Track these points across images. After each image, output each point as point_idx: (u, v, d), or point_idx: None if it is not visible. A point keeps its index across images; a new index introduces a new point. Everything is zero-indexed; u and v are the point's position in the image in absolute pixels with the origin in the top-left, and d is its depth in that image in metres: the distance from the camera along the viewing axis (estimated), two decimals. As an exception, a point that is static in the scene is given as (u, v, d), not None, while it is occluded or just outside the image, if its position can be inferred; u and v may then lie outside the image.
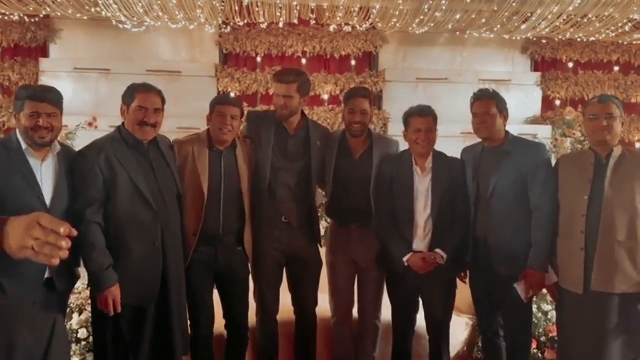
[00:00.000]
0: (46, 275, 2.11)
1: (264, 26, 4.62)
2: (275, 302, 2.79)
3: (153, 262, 2.26)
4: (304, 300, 2.82)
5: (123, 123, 2.33)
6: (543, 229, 2.47)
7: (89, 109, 4.38)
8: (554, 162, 2.68)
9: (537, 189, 2.50)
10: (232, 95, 4.75)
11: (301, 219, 2.74)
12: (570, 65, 5.18)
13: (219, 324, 2.69)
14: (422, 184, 2.64)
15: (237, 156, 2.59)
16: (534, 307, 3.04)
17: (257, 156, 2.70)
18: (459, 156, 2.79)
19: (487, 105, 2.57)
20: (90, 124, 3.46)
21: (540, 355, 2.99)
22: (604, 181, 2.36)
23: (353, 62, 5.01)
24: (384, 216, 2.69)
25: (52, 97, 2.12)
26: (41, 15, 4.44)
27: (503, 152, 2.59)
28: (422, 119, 2.61)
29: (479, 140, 2.68)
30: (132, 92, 2.29)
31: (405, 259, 2.59)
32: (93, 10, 4.08)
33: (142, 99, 2.27)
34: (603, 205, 2.34)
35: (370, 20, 4.44)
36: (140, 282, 2.24)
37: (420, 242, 2.63)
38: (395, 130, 2.78)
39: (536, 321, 3.02)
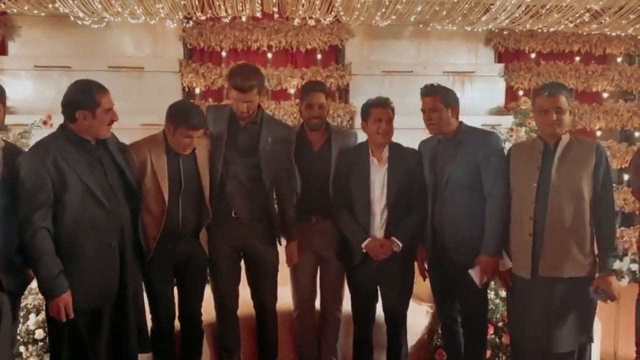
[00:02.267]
0: None
1: (227, 20, 4.58)
2: (232, 297, 2.81)
3: (110, 261, 2.24)
4: (262, 297, 2.83)
5: (65, 122, 2.25)
6: (495, 216, 2.52)
7: (50, 107, 4.28)
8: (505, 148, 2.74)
9: (489, 177, 2.56)
10: (197, 90, 4.72)
11: (252, 215, 2.71)
12: (533, 55, 5.25)
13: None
14: (378, 174, 2.68)
15: (196, 156, 2.59)
16: (492, 293, 3.12)
17: (212, 149, 2.70)
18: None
19: (432, 101, 2.62)
20: (45, 122, 3.40)
21: (497, 340, 3.05)
22: (551, 168, 2.42)
23: (319, 56, 5.00)
24: (341, 207, 2.72)
25: None
26: (-3, 12, 4.34)
27: (457, 142, 2.64)
28: (383, 110, 2.67)
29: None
30: (93, 97, 2.20)
31: (363, 245, 2.62)
32: (50, 6, 4.00)
33: (107, 100, 2.24)
34: (550, 192, 2.40)
35: (334, 12, 4.43)
36: (97, 283, 2.22)
37: (377, 232, 2.67)
38: (362, 123, 2.80)
39: (494, 307, 3.09)
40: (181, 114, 2.47)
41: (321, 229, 2.83)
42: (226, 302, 2.79)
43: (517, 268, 2.50)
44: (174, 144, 2.50)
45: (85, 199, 2.17)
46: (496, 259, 2.52)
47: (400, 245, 2.62)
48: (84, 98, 2.20)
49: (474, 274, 2.53)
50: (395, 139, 2.79)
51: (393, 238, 2.63)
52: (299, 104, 2.95)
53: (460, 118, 2.72)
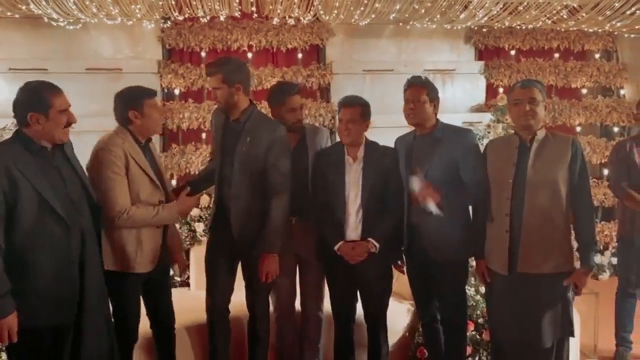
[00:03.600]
0: None
1: (205, 20, 4.55)
2: (224, 299, 2.75)
3: (69, 277, 2.08)
4: (254, 301, 2.75)
5: (20, 127, 2.06)
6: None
7: (25, 110, 4.23)
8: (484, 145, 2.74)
9: (468, 173, 2.55)
10: (177, 91, 4.69)
11: (245, 215, 2.60)
12: (513, 53, 5.29)
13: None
14: (353, 173, 2.66)
15: (151, 148, 2.54)
16: (472, 290, 3.12)
17: (212, 150, 2.71)
18: None
19: (418, 91, 2.61)
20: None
21: (478, 336, 3.05)
22: (527, 164, 2.42)
23: (300, 55, 4.98)
24: (319, 208, 2.71)
25: None
26: (-29, 15, 4.27)
27: (434, 139, 2.63)
28: (346, 110, 2.64)
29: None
30: (44, 98, 2.03)
31: (336, 247, 2.61)
32: (24, 7, 3.94)
33: (61, 101, 2.07)
34: (526, 188, 2.40)
35: (313, 11, 4.42)
36: (57, 301, 2.05)
37: (352, 232, 2.66)
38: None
39: (474, 303, 3.09)
40: (138, 90, 2.44)
41: (300, 229, 2.77)
42: (217, 302, 2.73)
43: (495, 264, 2.49)
44: (149, 125, 2.43)
45: (40, 212, 1.99)
46: (438, 194, 2.45)
47: (377, 246, 2.59)
48: (34, 99, 2.03)
49: (415, 181, 2.48)
50: (375, 137, 2.75)
51: (370, 239, 2.61)
52: (274, 106, 2.78)
53: (442, 116, 2.70)
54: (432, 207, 2.44)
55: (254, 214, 2.58)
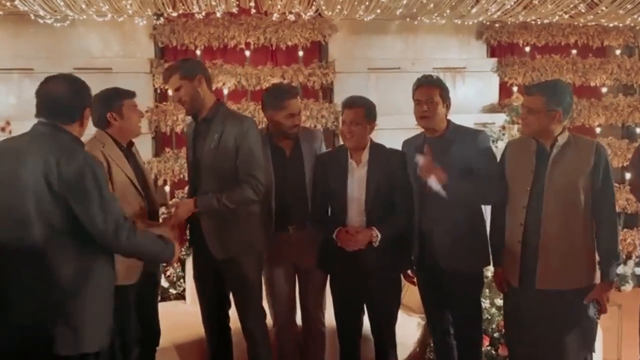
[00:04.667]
0: None
1: (201, 16, 4.38)
2: (214, 314, 2.68)
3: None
4: (243, 315, 2.62)
5: (60, 125, 1.87)
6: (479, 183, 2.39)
7: (10, 112, 4.08)
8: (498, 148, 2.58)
9: (482, 175, 2.40)
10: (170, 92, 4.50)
11: (214, 221, 2.50)
12: (527, 49, 5.07)
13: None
14: (357, 176, 2.52)
15: (134, 152, 2.51)
16: (487, 302, 2.97)
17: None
18: None
19: (430, 92, 2.46)
20: (2, 129, 3.27)
21: (493, 352, 2.87)
22: (545, 172, 2.24)
23: (300, 53, 4.79)
24: (321, 213, 2.61)
25: None
26: (-46, 13, 4.11)
27: (446, 141, 2.47)
28: (349, 111, 2.50)
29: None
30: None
31: (333, 236, 2.47)
32: (8, 4, 3.78)
33: None
34: (544, 197, 2.22)
35: (315, 6, 4.23)
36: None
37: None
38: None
39: (489, 316, 2.93)
40: (117, 91, 2.41)
41: (299, 238, 2.66)
42: (205, 310, 2.67)
43: (508, 275, 2.37)
44: (128, 127, 2.41)
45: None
46: (443, 173, 2.34)
47: (379, 236, 2.41)
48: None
49: (420, 158, 2.38)
50: (381, 139, 2.61)
51: (373, 227, 2.44)
52: (270, 111, 2.64)
53: (452, 116, 2.58)
54: (434, 183, 2.32)
55: (226, 217, 2.46)
